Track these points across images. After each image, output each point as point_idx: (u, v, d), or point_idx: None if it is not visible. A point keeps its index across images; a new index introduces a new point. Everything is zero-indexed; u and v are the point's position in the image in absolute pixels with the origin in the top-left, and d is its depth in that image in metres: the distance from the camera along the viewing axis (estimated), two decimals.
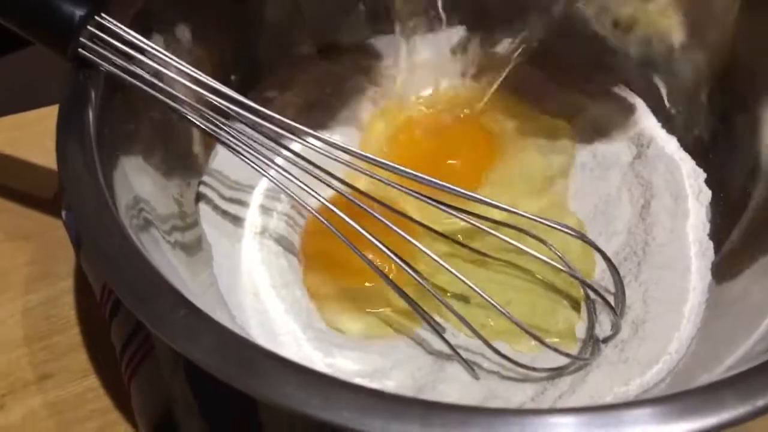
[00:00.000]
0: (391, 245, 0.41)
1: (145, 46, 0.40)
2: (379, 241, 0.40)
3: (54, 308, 0.50)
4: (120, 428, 0.45)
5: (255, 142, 0.42)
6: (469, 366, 0.42)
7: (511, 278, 0.47)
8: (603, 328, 0.45)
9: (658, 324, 0.44)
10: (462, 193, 0.41)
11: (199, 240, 0.46)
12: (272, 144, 0.42)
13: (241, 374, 0.29)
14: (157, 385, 0.44)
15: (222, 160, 0.50)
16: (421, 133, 0.56)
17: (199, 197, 0.49)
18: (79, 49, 0.39)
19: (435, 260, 0.40)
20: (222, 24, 0.51)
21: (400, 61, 0.58)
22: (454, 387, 0.42)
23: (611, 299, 0.45)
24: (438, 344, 0.43)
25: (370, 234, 0.40)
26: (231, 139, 0.42)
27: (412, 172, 0.40)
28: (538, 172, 0.53)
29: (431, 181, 0.41)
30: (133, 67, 0.40)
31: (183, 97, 0.40)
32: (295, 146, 0.42)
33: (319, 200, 0.42)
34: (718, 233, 0.48)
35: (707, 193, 0.49)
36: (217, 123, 0.41)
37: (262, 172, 0.42)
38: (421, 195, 0.41)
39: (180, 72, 0.40)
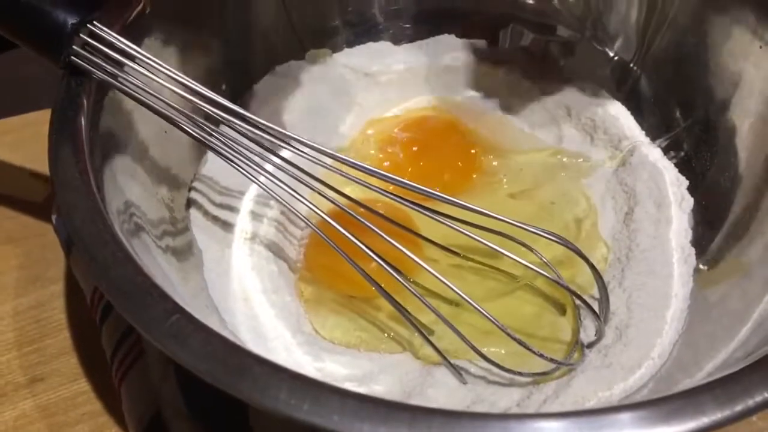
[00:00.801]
0: (378, 250, 0.41)
1: (137, 54, 0.40)
2: (365, 245, 0.41)
3: (45, 312, 0.50)
4: (110, 431, 0.45)
5: (245, 149, 0.42)
6: (457, 371, 0.43)
7: (498, 284, 0.47)
8: (587, 333, 0.45)
9: (641, 329, 0.44)
10: (446, 199, 0.41)
11: (190, 245, 0.47)
12: (262, 151, 0.42)
13: (232, 379, 0.29)
14: (147, 389, 0.44)
15: (212, 166, 0.51)
16: (408, 140, 0.56)
17: (190, 203, 0.49)
18: (72, 57, 0.39)
19: (420, 265, 0.41)
20: (212, 32, 0.51)
21: (389, 69, 0.58)
22: (442, 391, 0.42)
23: (595, 305, 0.45)
24: (426, 349, 0.44)
25: (358, 239, 0.41)
26: (221, 146, 0.42)
27: (398, 179, 0.41)
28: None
29: (417, 187, 0.41)
30: (124, 75, 0.40)
31: (174, 105, 0.41)
32: (285, 153, 0.42)
33: (308, 206, 0.42)
34: (700, 240, 0.48)
35: (689, 201, 0.50)
36: (208, 130, 0.42)
37: (252, 178, 0.43)
38: (408, 201, 0.42)
39: (171, 79, 0.41)
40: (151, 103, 0.41)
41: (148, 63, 0.40)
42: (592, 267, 0.44)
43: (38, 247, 0.54)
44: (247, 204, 0.51)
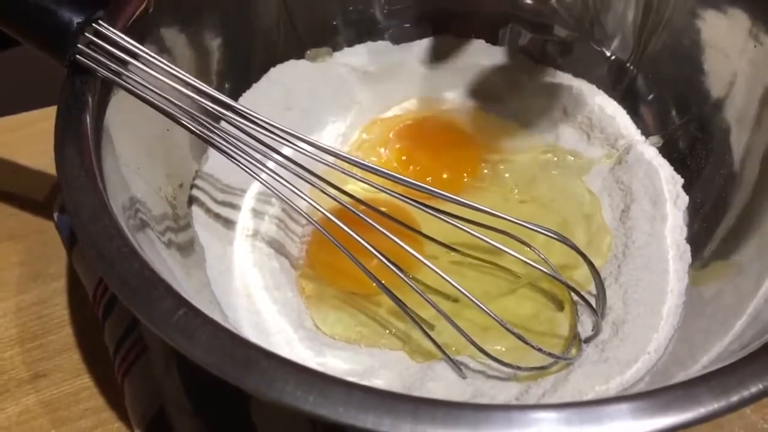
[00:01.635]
0: (379, 247, 0.42)
1: (141, 53, 0.41)
2: (365, 241, 0.41)
3: (47, 308, 0.51)
4: (113, 426, 0.46)
5: (247, 146, 0.43)
6: (456, 365, 0.43)
7: (497, 279, 0.48)
8: (584, 328, 0.46)
9: (637, 324, 0.45)
10: (447, 197, 0.42)
11: (192, 242, 0.47)
12: (264, 148, 0.43)
13: (239, 372, 0.30)
14: (150, 384, 0.45)
15: (214, 163, 0.51)
16: (407, 140, 0.57)
17: (192, 200, 0.50)
18: (77, 55, 0.40)
19: (421, 261, 0.41)
20: (215, 29, 0.52)
21: (389, 68, 0.59)
22: (442, 385, 0.43)
23: (592, 300, 0.46)
24: (426, 344, 0.44)
25: (358, 234, 0.41)
26: (223, 143, 0.42)
27: (400, 176, 0.42)
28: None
29: (418, 185, 0.42)
30: (128, 73, 0.40)
31: (177, 102, 0.41)
32: (287, 150, 0.43)
33: (309, 203, 0.43)
34: (695, 237, 0.49)
35: (684, 198, 0.51)
36: (211, 127, 0.42)
37: (254, 175, 0.43)
38: (408, 198, 0.42)
39: (174, 78, 0.41)
40: (154, 100, 0.41)
41: (151, 61, 0.41)
42: (590, 263, 0.45)
43: (39, 244, 0.54)
44: (248, 201, 0.51)
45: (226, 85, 0.53)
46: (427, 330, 0.43)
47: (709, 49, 0.50)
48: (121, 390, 0.46)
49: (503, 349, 0.44)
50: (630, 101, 0.56)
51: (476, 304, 0.41)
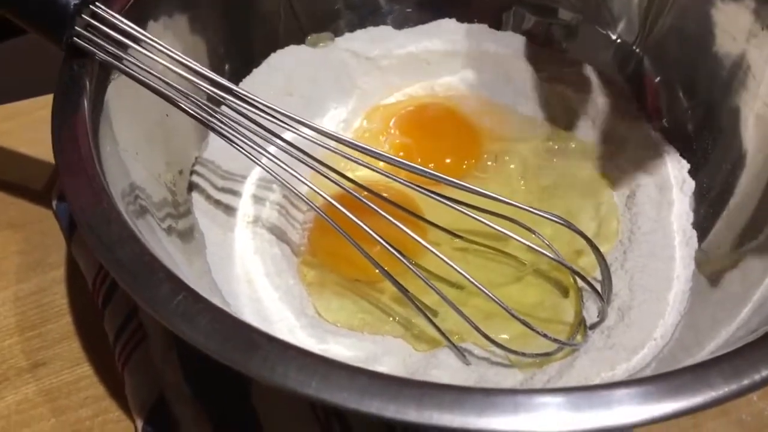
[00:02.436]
0: (382, 234, 0.41)
1: (139, 35, 0.40)
2: (367, 226, 0.41)
3: (46, 297, 0.50)
4: (113, 415, 0.45)
5: (248, 130, 0.42)
6: (460, 352, 0.43)
7: (502, 266, 0.48)
8: (590, 314, 0.45)
9: (643, 311, 0.45)
10: (453, 182, 0.41)
11: (192, 229, 0.47)
12: (265, 132, 0.42)
13: (240, 356, 0.29)
14: (150, 373, 0.44)
15: (214, 150, 0.51)
16: (409, 127, 0.56)
17: (192, 186, 0.49)
18: (74, 38, 0.39)
19: (425, 247, 0.41)
20: (215, 13, 0.51)
21: (390, 53, 0.58)
22: (445, 372, 0.42)
23: (598, 287, 0.45)
24: (429, 331, 0.44)
25: (360, 219, 0.41)
26: (224, 127, 0.42)
27: (405, 161, 0.41)
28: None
29: (423, 170, 0.41)
30: (127, 56, 0.40)
31: (176, 86, 0.41)
32: (288, 135, 0.42)
33: (311, 188, 0.42)
34: (702, 223, 0.49)
35: (690, 184, 0.50)
36: (210, 111, 0.42)
37: (255, 160, 0.43)
38: (411, 183, 0.42)
39: (173, 61, 0.41)
40: (153, 84, 0.40)
41: (150, 44, 0.40)
42: (596, 248, 0.44)
43: (38, 233, 0.53)
44: (249, 188, 0.51)
45: (226, 71, 0.53)
46: (430, 316, 0.43)
47: (716, 31, 0.49)
48: (121, 378, 0.45)
49: (507, 338, 0.44)
50: (636, 85, 0.55)
51: (481, 289, 0.41)
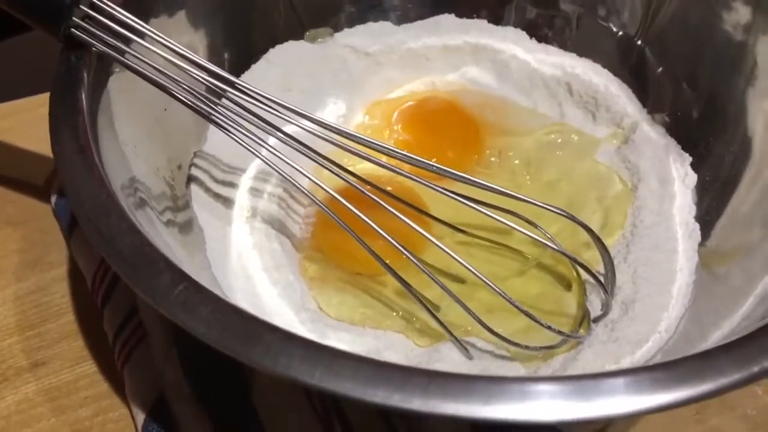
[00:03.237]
0: (386, 227, 0.41)
1: (138, 27, 0.40)
2: (368, 219, 0.40)
3: (45, 296, 0.50)
4: (113, 414, 0.45)
5: (247, 122, 0.42)
6: (463, 346, 0.43)
7: (505, 260, 0.47)
8: (594, 307, 0.45)
9: (647, 304, 0.44)
10: (457, 175, 0.41)
11: (192, 222, 0.46)
12: (264, 125, 0.42)
13: (244, 346, 0.29)
14: (150, 372, 0.44)
15: (213, 143, 0.50)
16: (410, 121, 0.56)
17: (190, 180, 0.49)
18: (72, 29, 0.39)
19: (430, 240, 0.40)
20: (214, 8, 0.51)
21: (390, 49, 0.58)
22: (448, 367, 0.42)
23: (601, 279, 0.45)
24: (432, 325, 0.44)
25: (362, 212, 0.40)
26: (223, 119, 0.41)
27: (408, 154, 0.41)
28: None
29: (426, 163, 0.41)
30: (125, 48, 0.40)
31: (176, 78, 0.40)
32: (288, 127, 0.42)
33: (311, 180, 0.42)
34: (704, 216, 0.48)
35: (693, 177, 0.50)
36: (210, 104, 0.41)
37: (255, 152, 0.42)
38: (412, 176, 0.42)
39: (172, 52, 0.40)
40: (152, 76, 0.40)
41: (149, 35, 0.40)
42: (599, 240, 0.44)
43: (38, 231, 0.53)
44: (248, 181, 0.51)
45: (225, 67, 0.53)
46: (432, 310, 0.43)
47: (717, 22, 0.49)
48: (121, 377, 0.45)
49: (511, 332, 0.43)
50: (638, 77, 0.55)
51: (485, 281, 0.40)
